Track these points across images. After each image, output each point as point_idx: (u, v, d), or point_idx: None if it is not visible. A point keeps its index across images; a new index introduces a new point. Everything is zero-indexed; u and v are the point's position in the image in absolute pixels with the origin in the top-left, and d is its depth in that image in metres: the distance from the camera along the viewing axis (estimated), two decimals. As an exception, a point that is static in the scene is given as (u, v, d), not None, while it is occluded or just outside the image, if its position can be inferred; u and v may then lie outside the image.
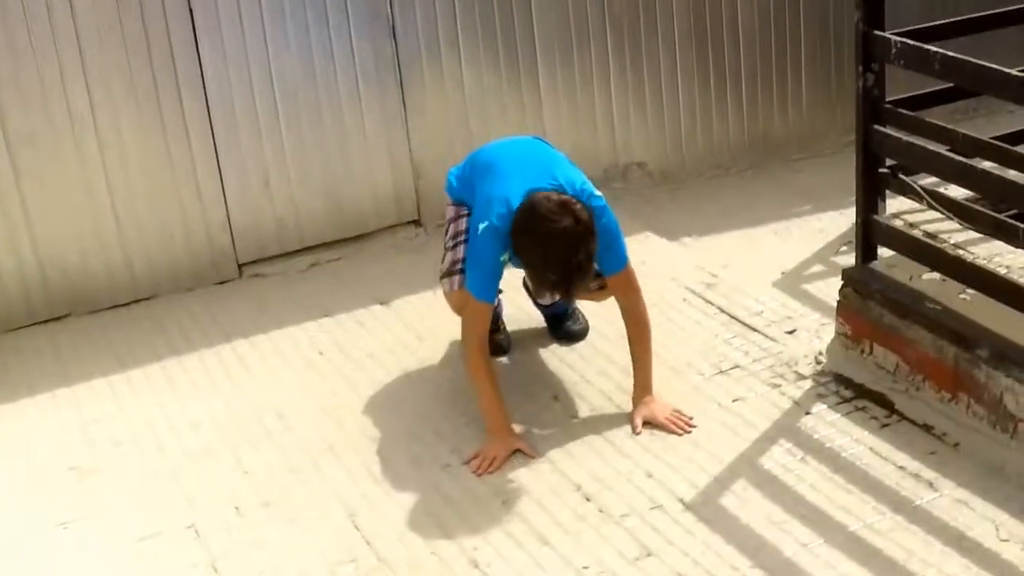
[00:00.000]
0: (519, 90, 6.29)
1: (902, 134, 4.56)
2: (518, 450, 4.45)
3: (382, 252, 6.14)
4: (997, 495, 4.01)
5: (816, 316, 5.20)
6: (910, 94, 4.72)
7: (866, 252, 4.79)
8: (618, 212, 4.51)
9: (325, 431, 4.71)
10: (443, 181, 4.89)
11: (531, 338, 5.21)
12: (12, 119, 5.38)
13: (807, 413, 4.56)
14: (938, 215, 4.61)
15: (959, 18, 4.70)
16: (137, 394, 5.08)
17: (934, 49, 4.29)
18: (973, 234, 4.64)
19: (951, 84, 4.62)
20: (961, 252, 4.59)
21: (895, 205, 4.89)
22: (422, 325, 5.36)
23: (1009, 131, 4.98)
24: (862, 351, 4.74)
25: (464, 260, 4.58)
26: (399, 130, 6.10)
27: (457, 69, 6.12)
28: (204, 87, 5.67)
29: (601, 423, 4.61)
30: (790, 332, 5.12)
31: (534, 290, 5.03)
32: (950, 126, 4.47)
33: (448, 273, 4.69)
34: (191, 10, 5.55)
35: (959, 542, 3.83)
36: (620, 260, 4.51)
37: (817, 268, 5.68)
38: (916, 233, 4.74)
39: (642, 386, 4.61)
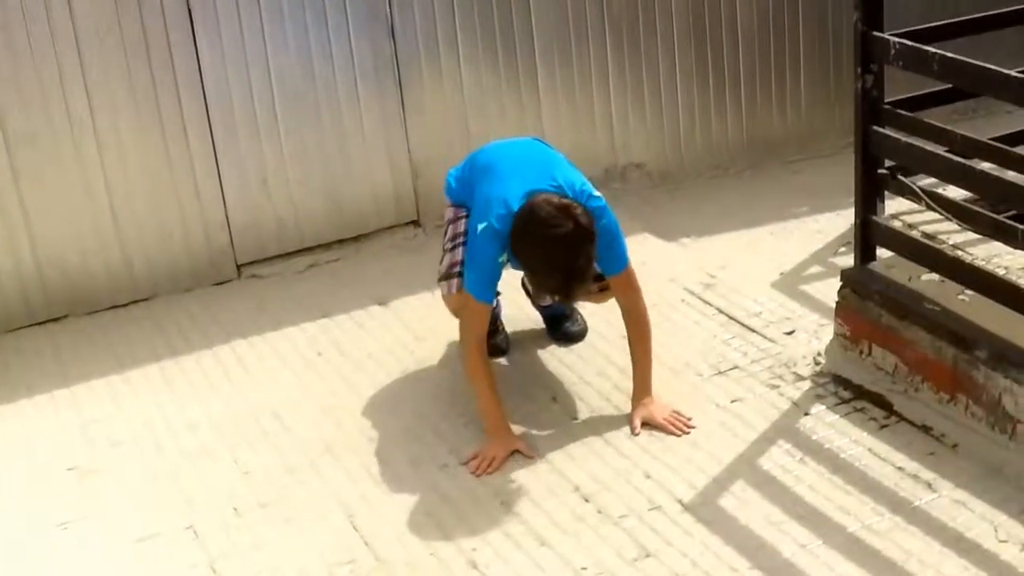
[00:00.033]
0: (518, 90, 6.29)
1: (901, 135, 4.56)
2: (517, 451, 4.45)
3: (381, 252, 6.14)
4: (996, 496, 4.01)
5: (815, 317, 5.20)
6: (909, 95, 4.72)
7: (865, 253, 4.79)
8: (617, 213, 4.51)
9: (324, 431, 4.71)
10: (442, 181, 4.89)
11: (530, 339, 5.21)
12: (11, 120, 5.38)
13: (806, 414, 4.56)
14: (937, 216, 4.61)
15: (958, 19, 4.70)
16: (136, 394, 5.08)
17: (933, 50, 4.29)
18: (972, 235, 4.63)
19: (950, 85, 4.62)
20: (960, 253, 4.59)
21: (894, 206, 4.88)
22: (421, 326, 5.35)
23: (1008, 132, 4.98)
24: (861, 352, 4.74)
25: (462, 263, 4.58)
26: (398, 130, 6.10)
27: (456, 69, 6.12)
28: (203, 87, 5.67)
29: (600, 424, 4.61)
30: (789, 333, 5.12)
31: (534, 293, 5.03)
32: (949, 127, 4.47)
33: (446, 276, 4.69)
34: (190, 11, 5.55)
35: (958, 543, 3.83)
36: (621, 261, 4.51)
37: (816, 269, 5.68)
38: (915, 234, 4.74)
39: (641, 387, 4.61)
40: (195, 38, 5.60)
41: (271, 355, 5.30)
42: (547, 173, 4.41)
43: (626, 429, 4.55)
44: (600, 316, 5.13)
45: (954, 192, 4.64)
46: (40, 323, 5.65)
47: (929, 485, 4.11)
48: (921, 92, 4.74)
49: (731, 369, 4.90)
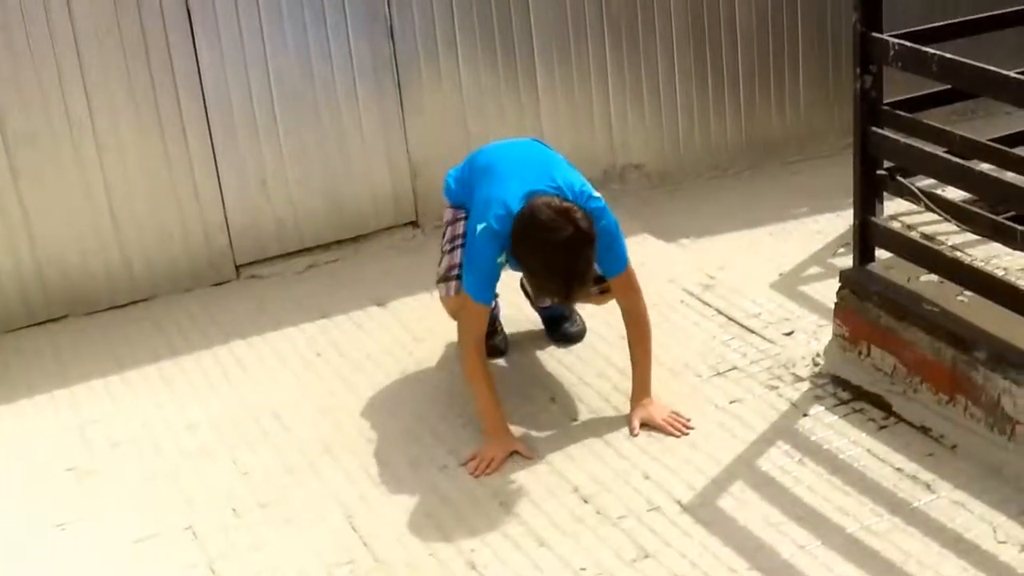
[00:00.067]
0: (517, 90, 6.29)
1: (900, 136, 4.56)
2: (516, 452, 4.45)
3: (380, 253, 6.14)
4: (995, 497, 4.01)
5: (814, 318, 5.20)
6: (908, 96, 4.72)
7: (864, 254, 4.79)
8: (616, 213, 4.50)
9: (323, 432, 4.70)
10: (441, 182, 4.89)
11: (528, 340, 5.21)
12: (10, 120, 5.38)
13: (805, 415, 4.56)
14: (936, 217, 4.61)
15: (957, 20, 4.71)
16: (135, 395, 5.08)
17: (932, 51, 4.29)
18: (971, 236, 4.64)
19: (949, 86, 4.63)
20: (959, 254, 4.59)
21: (893, 207, 4.88)
22: (420, 326, 5.35)
23: (1007, 133, 4.98)
24: (860, 353, 4.74)
25: (460, 265, 4.58)
26: (397, 130, 6.10)
27: (455, 69, 6.12)
28: (202, 88, 5.67)
29: (599, 425, 4.61)
30: (788, 334, 5.12)
31: (534, 295, 5.03)
32: (948, 128, 4.47)
33: (444, 278, 4.69)
34: (188, 11, 5.55)
35: (957, 544, 3.83)
36: (621, 262, 4.50)
37: (815, 270, 5.68)
38: (914, 235, 4.74)
39: (640, 388, 4.61)
40: (194, 39, 5.60)
41: (270, 356, 5.30)
42: (546, 174, 4.41)
43: (625, 430, 4.55)
44: (599, 317, 5.14)
45: (953, 193, 4.64)
46: (40, 323, 5.65)
47: (928, 486, 4.11)
48: (920, 93, 4.74)
49: (730, 370, 4.90)
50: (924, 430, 4.39)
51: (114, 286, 5.75)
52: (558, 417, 4.69)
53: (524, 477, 4.35)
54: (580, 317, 5.21)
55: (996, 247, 4.54)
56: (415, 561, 3.99)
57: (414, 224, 6.26)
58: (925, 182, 4.66)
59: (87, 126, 5.50)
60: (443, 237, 4.79)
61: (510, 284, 5.04)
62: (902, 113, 4.59)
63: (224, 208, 5.87)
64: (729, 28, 6.60)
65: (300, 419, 4.80)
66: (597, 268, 4.37)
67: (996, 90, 4.24)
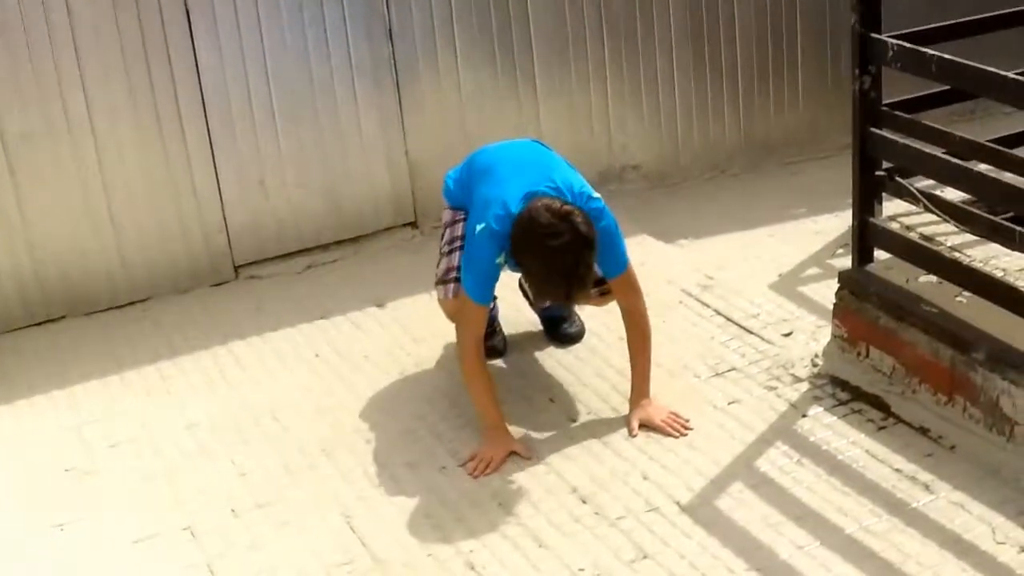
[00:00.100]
0: (516, 91, 6.29)
1: (899, 136, 4.56)
2: (514, 452, 4.45)
3: (379, 253, 6.14)
4: (993, 498, 4.01)
5: (813, 318, 5.20)
6: (907, 97, 4.73)
7: (863, 254, 4.79)
8: (614, 214, 4.50)
9: (321, 432, 4.70)
10: (440, 182, 4.89)
11: (527, 340, 5.21)
12: (9, 120, 5.38)
13: (803, 415, 4.56)
14: (935, 218, 4.62)
15: (956, 21, 4.70)
16: (134, 395, 5.08)
17: (931, 52, 4.29)
18: (970, 237, 4.64)
19: (948, 87, 4.63)
20: (958, 255, 4.60)
21: (892, 208, 4.89)
22: (419, 327, 5.35)
23: (1006, 134, 4.99)
24: (858, 354, 4.74)
25: (459, 268, 4.57)
26: (396, 131, 6.10)
27: (454, 69, 6.12)
28: (200, 88, 5.67)
29: (598, 425, 4.61)
30: (787, 334, 5.12)
31: (534, 298, 5.02)
32: (947, 129, 4.47)
33: (443, 280, 4.69)
34: (187, 11, 5.55)
35: (955, 544, 3.83)
36: (621, 262, 4.50)
37: (814, 270, 5.68)
38: (913, 236, 4.75)
39: (639, 389, 4.61)
40: (193, 39, 5.60)
41: (269, 356, 5.30)
42: (546, 175, 4.40)
43: (624, 431, 4.55)
44: (598, 318, 5.14)
45: (952, 194, 4.64)
46: (38, 323, 5.65)
47: (927, 487, 4.11)
48: (919, 94, 4.75)
49: (729, 371, 4.90)
50: (923, 431, 4.39)
51: (113, 286, 5.75)
52: (557, 418, 4.68)
53: (523, 477, 4.35)
54: (579, 318, 5.21)
55: (995, 248, 4.55)
56: (414, 561, 3.99)
57: (413, 225, 6.26)
58: (924, 183, 4.67)
59: (86, 126, 5.50)
60: (442, 238, 4.79)
61: (509, 285, 5.04)
62: (901, 114, 4.60)
63: (223, 208, 5.87)
64: (728, 28, 6.60)
65: (299, 419, 4.80)
66: (597, 270, 4.36)
67: (995, 91, 4.25)
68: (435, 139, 6.16)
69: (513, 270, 4.51)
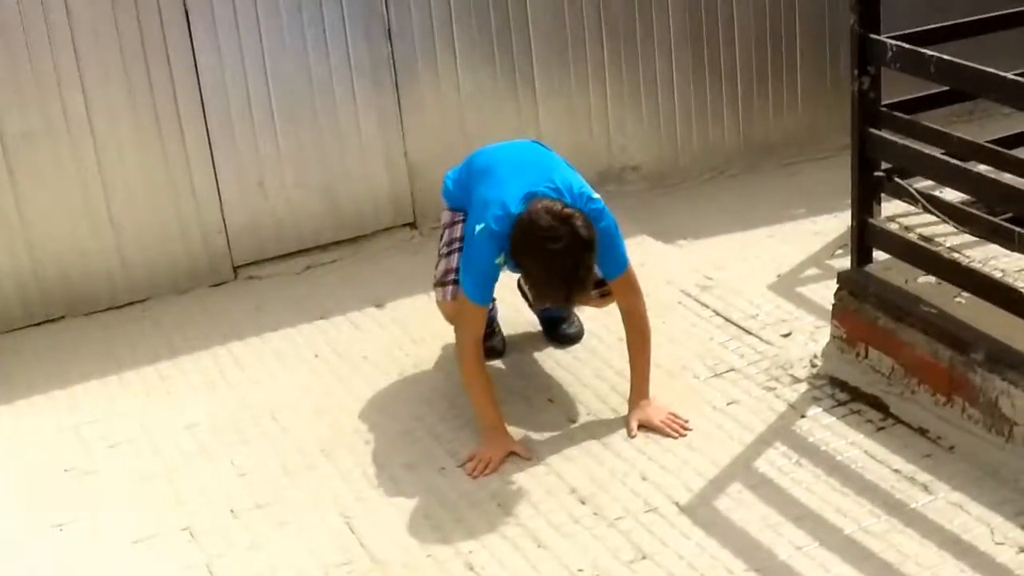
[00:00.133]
0: (515, 92, 6.29)
1: (898, 137, 4.56)
2: (513, 453, 4.45)
3: (378, 254, 6.14)
4: (992, 498, 4.01)
5: (811, 319, 5.20)
6: (906, 97, 4.73)
7: (861, 255, 4.79)
8: (613, 214, 4.49)
9: (320, 433, 4.70)
10: (439, 183, 4.89)
11: (526, 341, 5.21)
12: (8, 120, 5.38)
13: (802, 416, 4.56)
14: (933, 218, 4.62)
15: (956, 21, 4.71)
16: (133, 395, 5.08)
17: (929, 52, 4.29)
18: (968, 237, 4.64)
19: (947, 87, 4.63)
20: (956, 255, 4.60)
21: (891, 208, 4.89)
22: (418, 327, 5.35)
23: (1005, 134, 4.99)
24: (857, 354, 4.75)
25: (457, 270, 4.57)
26: (395, 131, 6.10)
27: (453, 70, 6.13)
28: (199, 88, 5.67)
29: (597, 426, 4.61)
30: (785, 335, 5.12)
31: (534, 300, 5.01)
32: (946, 129, 4.48)
33: (441, 282, 4.69)
34: (186, 11, 5.55)
35: (954, 545, 3.83)
36: (621, 263, 4.50)
37: (813, 271, 5.68)
38: (911, 236, 4.75)
39: (638, 389, 4.61)
40: (192, 39, 5.60)
41: (268, 356, 5.30)
42: (545, 175, 4.40)
43: (623, 431, 4.55)
44: (597, 319, 5.14)
45: (951, 194, 4.64)
46: (38, 324, 5.65)
47: (926, 487, 4.11)
48: (918, 95, 4.75)
49: (728, 371, 4.90)
50: (922, 431, 4.39)
51: (112, 287, 5.75)
52: (556, 418, 4.68)
53: (522, 478, 4.35)
54: (578, 318, 5.21)
55: (994, 248, 4.55)
56: (413, 562, 3.99)
57: (412, 225, 6.26)
58: (923, 183, 4.67)
59: (85, 126, 5.51)
60: (440, 240, 4.79)
61: (508, 285, 5.04)
62: (900, 114, 4.60)
63: (222, 209, 5.87)
64: (727, 29, 6.60)
65: (298, 420, 4.81)
66: (597, 271, 4.36)
67: (994, 91, 4.25)
68: (434, 139, 6.16)
69: (512, 271, 4.51)
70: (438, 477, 4.40)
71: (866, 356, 4.71)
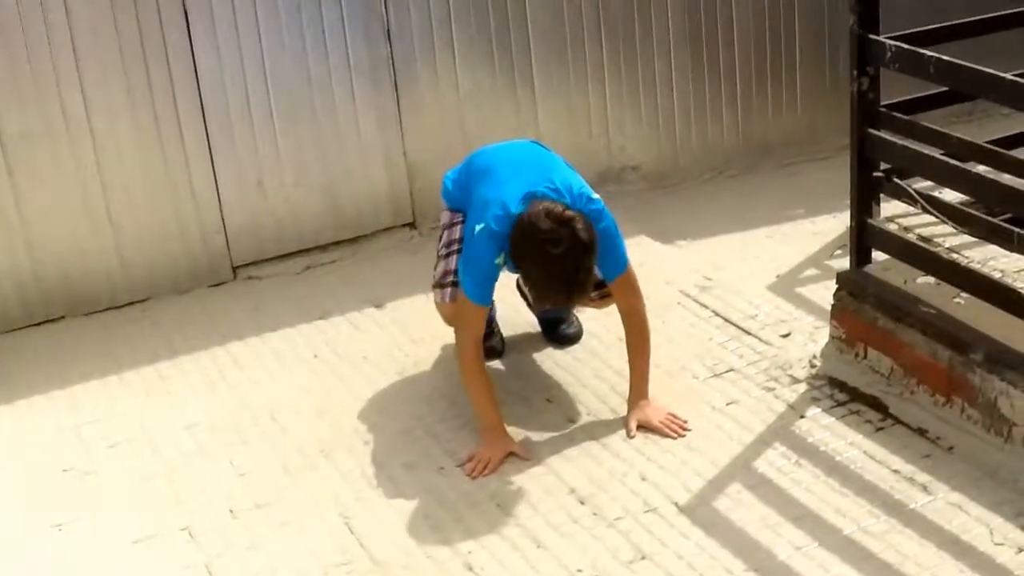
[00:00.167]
0: (514, 92, 6.29)
1: (897, 138, 4.56)
2: (512, 453, 4.45)
3: (377, 254, 6.14)
4: (991, 499, 4.02)
5: (811, 319, 5.20)
6: (905, 98, 4.73)
7: (860, 255, 4.79)
8: (612, 215, 4.50)
9: (320, 433, 4.71)
10: (438, 183, 4.89)
11: (525, 341, 5.21)
12: (7, 120, 5.37)
13: (801, 416, 4.56)
14: (932, 219, 4.62)
15: (955, 22, 4.71)
16: (133, 395, 5.08)
17: (928, 53, 4.29)
18: (967, 238, 4.64)
19: (946, 88, 4.63)
20: (955, 256, 4.60)
21: (890, 209, 4.89)
22: (417, 328, 5.35)
23: (1004, 135, 4.99)
24: (856, 355, 4.75)
25: (456, 271, 4.56)
26: (394, 131, 6.10)
27: (452, 70, 6.13)
28: (199, 88, 5.67)
29: (595, 426, 4.61)
30: (785, 335, 5.12)
31: (534, 302, 5.01)
32: (945, 130, 4.48)
33: (440, 284, 4.69)
34: (186, 11, 5.55)
35: (953, 545, 3.83)
36: (620, 264, 4.49)
37: (812, 271, 5.69)
38: (910, 237, 4.75)
39: (637, 390, 4.61)
40: (191, 39, 5.60)
41: (268, 356, 5.30)
42: (545, 175, 4.40)
43: (622, 431, 4.56)
44: (596, 319, 5.14)
45: (950, 195, 4.64)
46: (37, 324, 5.65)
47: (925, 488, 4.11)
48: (917, 95, 4.75)
49: (727, 371, 4.90)
50: (921, 432, 4.39)
51: (112, 287, 5.75)
52: (555, 419, 4.69)
53: (521, 478, 4.35)
54: (577, 319, 5.21)
55: (993, 249, 4.55)
56: (412, 562, 3.99)
57: (411, 225, 6.26)
58: (922, 184, 4.67)
59: (84, 126, 5.51)
60: (439, 241, 4.78)
61: (507, 286, 5.04)
62: (899, 115, 4.60)
63: (221, 209, 5.87)
64: (726, 29, 6.60)
65: (297, 420, 4.81)
66: (597, 273, 4.36)
67: (993, 92, 4.25)
68: (433, 139, 6.16)
69: (512, 271, 4.51)
70: (437, 477, 4.40)
71: (865, 356, 4.71)
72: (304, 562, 4.03)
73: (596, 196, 4.43)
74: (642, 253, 5.70)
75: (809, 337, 5.07)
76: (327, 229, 6.11)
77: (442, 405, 4.81)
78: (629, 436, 4.53)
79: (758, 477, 4.25)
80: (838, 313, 4.83)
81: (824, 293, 5.11)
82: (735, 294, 5.48)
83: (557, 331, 5.18)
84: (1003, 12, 4.81)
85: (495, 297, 4.65)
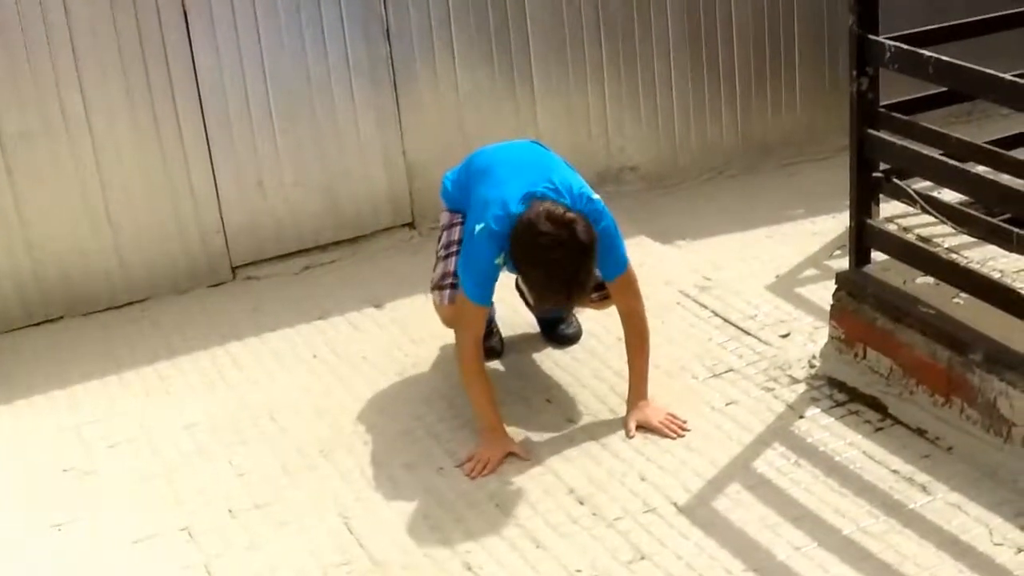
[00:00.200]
0: (513, 92, 6.29)
1: (896, 138, 4.56)
2: (512, 453, 4.45)
3: (377, 254, 6.14)
4: (990, 499, 4.02)
5: (810, 320, 5.21)
6: (904, 98, 4.73)
7: (860, 256, 4.79)
8: (612, 215, 4.50)
9: (319, 433, 4.71)
10: (438, 183, 4.89)
11: (524, 341, 5.21)
12: (7, 119, 5.37)
13: (801, 417, 4.56)
14: (932, 219, 4.62)
15: (955, 22, 4.71)
16: (132, 395, 5.08)
17: (928, 53, 4.29)
18: (967, 238, 4.64)
19: (945, 88, 4.63)
20: (955, 256, 4.60)
21: (889, 209, 4.89)
22: (416, 328, 5.35)
23: (1003, 135, 4.99)
24: (856, 355, 4.75)
25: (455, 273, 4.56)
26: (393, 131, 6.10)
27: (451, 69, 6.13)
28: (198, 88, 5.67)
29: (595, 426, 4.61)
30: (784, 336, 5.12)
31: (534, 303, 5.00)
32: (944, 130, 4.48)
33: (439, 286, 4.68)
34: (185, 11, 5.55)
35: (953, 546, 3.84)
36: (620, 264, 4.49)
37: (811, 272, 5.69)
38: (910, 237, 4.75)
39: (637, 390, 4.61)
40: (190, 39, 5.60)
41: (267, 356, 5.30)
42: (544, 175, 4.39)
43: (621, 432, 4.56)
44: (596, 319, 5.14)
45: (949, 195, 4.64)
46: (37, 324, 5.65)
47: (924, 488, 4.11)
48: (916, 95, 4.75)
49: (726, 372, 4.90)
50: (920, 432, 4.39)
51: (111, 287, 5.75)
52: (554, 419, 4.69)
53: (520, 479, 4.35)
54: (576, 319, 5.21)
55: (992, 249, 4.55)
56: (412, 562, 3.99)
57: (411, 225, 6.26)
58: (921, 184, 4.67)
59: (83, 126, 5.50)
60: (438, 242, 4.78)
61: (506, 286, 5.04)
62: (898, 115, 4.60)
63: (220, 209, 5.87)
64: (726, 29, 6.60)
65: (297, 420, 4.81)
66: (597, 274, 4.35)
67: (992, 92, 4.25)
68: (433, 139, 6.16)
69: (512, 271, 4.51)
70: (437, 477, 4.40)
71: (864, 357, 4.71)
72: (303, 562, 4.03)
73: (596, 196, 4.42)
74: (641, 253, 5.69)
75: (808, 337, 5.07)
76: (326, 229, 6.11)
77: (441, 405, 4.81)
78: (628, 436, 4.53)
79: (757, 477, 4.25)
80: (837, 313, 4.83)
81: (823, 293, 5.11)
82: (734, 294, 5.48)
83: (556, 331, 5.18)
84: (1003, 12, 4.81)
85: (494, 297, 4.66)
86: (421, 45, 6.03)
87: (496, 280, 4.46)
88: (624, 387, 4.66)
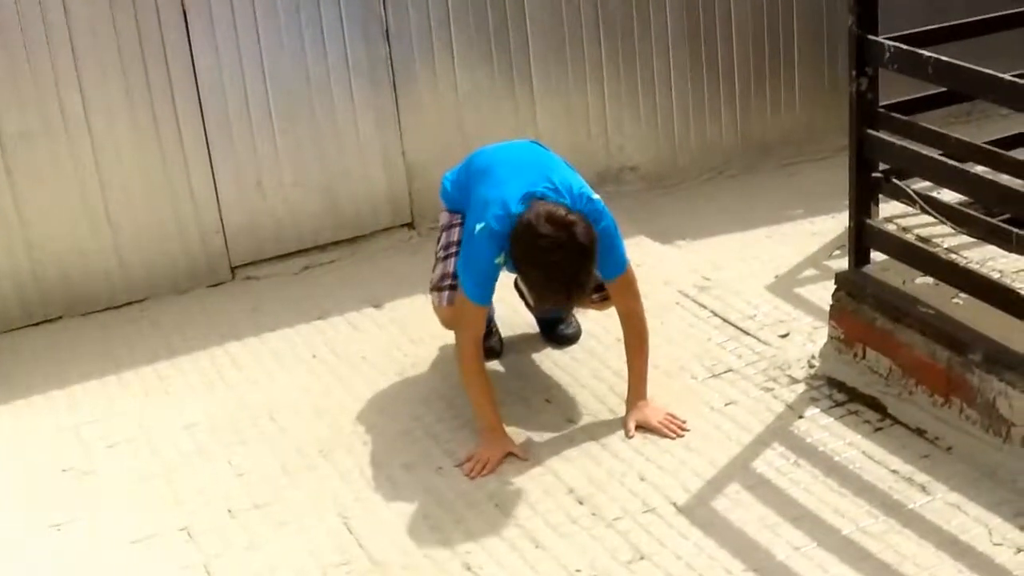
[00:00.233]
0: (512, 92, 6.29)
1: (895, 138, 4.57)
2: (511, 453, 4.45)
3: (376, 254, 6.14)
4: (990, 499, 4.02)
5: (809, 320, 5.21)
6: (904, 98, 4.73)
7: (859, 256, 4.79)
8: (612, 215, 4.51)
9: (319, 433, 4.71)
10: (437, 183, 4.89)
11: (524, 341, 5.21)
12: (6, 119, 5.37)
13: (800, 417, 4.56)
14: (931, 219, 4.62)
15: (955, 22, 4.71)
16: (131, 395, 5.08)
17: (927, 53, 4.29)
18: (966, 238, 4.64)
19: (945, 88, 4.63)
20: (954, 256, 4.60)
21: (888, 209, 4.89)
22: (416, 328, 5.35)
23: (1002, 135, 4.99)
24: (855, 355, 4.75)
25: (454, 274, 4.56)
26: (392, 131, 6.10)
27: (451, 70, 6.13)
28: (197, 88, 5.67)
29: (594, 426, 4.61)
30: (783, 336, 5.12)
31: (534, 304, 5.00)
32: (943, 130, 4.48)
33: (438, 287, 4.68)
34: (184, 11, 5.55)
35: (952, 546, 3.84)
36: (620, 264, 4.49)
37: (810, 272, 5.69)
38: (909, 237, 4.75)
39: (636, 390, 4.61)
40: (190, 39, 5.60)
41: (266, 356, 5.30)
42: (544, 175, 4.39)
43: (621, 432, 4.56)
44: (595, 319, 5.14)
45: (949, 195, 4.64)
46: (36, 324, 5.65)
47: (923, 488, 4.11)
48: (916, 95, 4.75)
49: (726, 372, 4.90)
50: (919, 432, 4.39)
51: (110, 287, 5.75)
52: (554, 418, 4.69)
53: (520, 479, 4.35)
54: (575, 319, 5.21)
55: (991, 249, 4.55)
56: (411, 562, 3.99)
57: (410, 225, 6.26)
58: (921, 184, 4.67)
59: (83, 126, 5.50)
60: (438, 242, 4.78)
61: (506, 286, 5.04)
62: (898, 115, 4.60)
63: (220, 209, 5.87)
64: (725, 29, 6.60)
65: (296, 420, 4.81)
66: (597, 275, 4.35)
67: (992, 92, 4.25)
68: (432, 139, 6.16)
69: (511, 271, 4.50)
70: (436, 477, 4.40)
71: (864, 357, 4.71)
72: (303, 562, 4.03)
73: (596, 196, 4.42)
74: (641, 253, 5.70)
75: (808, 337, 5.07)
76: (326, 229, 6.11)
77: (441, 405, 4.81)
78: (628, 436, 4.53)
79: (756, 477, 4.25)
80: (837, 313, 4.83)
81: (823, 293, 5.11)
82: (734, 294, 5.48)
83: (556, 331, 5.18)
84: (1003, 12, 4.81)
85: (494, 297, 4.66)
86: (420, 45, 6.03)
87: (496, 280, 4.46)
88: (623, 387, 4.66)
